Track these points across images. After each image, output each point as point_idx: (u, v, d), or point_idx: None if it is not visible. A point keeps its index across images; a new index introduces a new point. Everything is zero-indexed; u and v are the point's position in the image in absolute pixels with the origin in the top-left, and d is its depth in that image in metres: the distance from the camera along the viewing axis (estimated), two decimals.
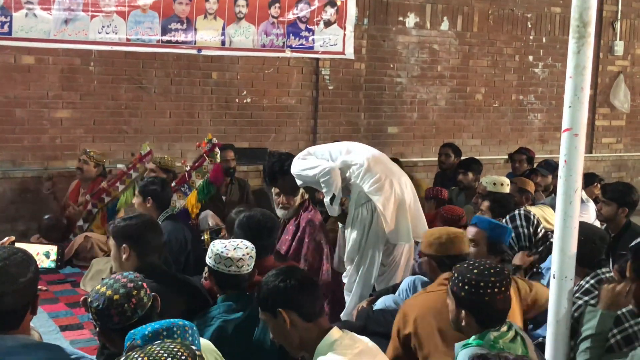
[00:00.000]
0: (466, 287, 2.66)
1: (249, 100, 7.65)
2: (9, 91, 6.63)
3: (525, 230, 4.10)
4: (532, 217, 4.19)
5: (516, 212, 4.20)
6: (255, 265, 3.59)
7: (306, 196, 4.99)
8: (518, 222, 4.16)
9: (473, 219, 4.08)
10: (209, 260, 3.32)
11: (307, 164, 4.67)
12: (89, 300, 2.60)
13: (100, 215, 6.36)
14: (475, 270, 2.69)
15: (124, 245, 3.42)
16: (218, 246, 3.32)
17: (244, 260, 3.28)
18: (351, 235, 4.65)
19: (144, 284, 2.62)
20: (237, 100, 7.60)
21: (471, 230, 3.89)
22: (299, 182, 4.73)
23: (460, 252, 3.46)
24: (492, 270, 2.69)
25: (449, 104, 8.74)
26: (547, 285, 3.35)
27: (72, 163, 6.80)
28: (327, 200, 4.61)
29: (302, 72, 7.86)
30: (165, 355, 1.78)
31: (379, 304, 3.97)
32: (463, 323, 2.69)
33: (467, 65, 8.77)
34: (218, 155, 5.98)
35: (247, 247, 3.35)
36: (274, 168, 4.87)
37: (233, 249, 3.30)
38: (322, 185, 4.58)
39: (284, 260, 4.32)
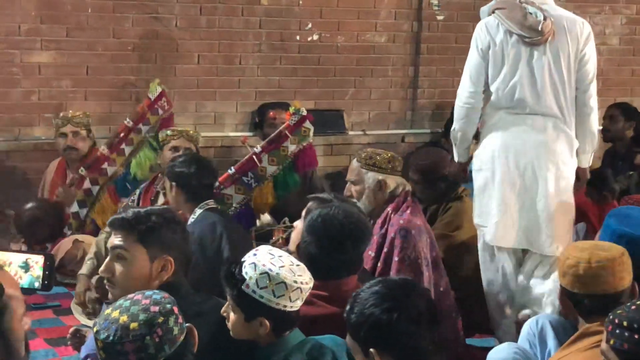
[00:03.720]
0: (636, 336, 2.69)
1: (315, 37, 7.68)
2: None
3: None
4: None
5: None
6: (331, 289, 3.64)
7: (402, 188, 5.00)
8: None
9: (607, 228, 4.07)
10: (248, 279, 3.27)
11: (468, 72, 5.06)
12: (95, 329, 2.63)
13: (107, 193, 6.43)
14: None
15: (169, 258, 3.38)
16: (264, 258, 3.26)
17: (302, 292, 3.27)
18: None
19: (175, 309, 2.66)
20: (298, 37, 7.63)
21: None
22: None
23: (607, 290, 3.43)
24: None
25: (624, 43, 8.63)
26: None
27: (54, 132, 6.81)
28: (452, 134, 5.19)
29: None
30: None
31: (492, 357, 3.97)
32: None
33: None
34: (311, 134, 5.95)
35: (307, 274, 3.33)
36: None
37: (288, 267, 3.26)
38: (454, 110, 5.11)
39: (370, 278, 4.25)
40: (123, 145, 6.43)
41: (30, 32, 6.87)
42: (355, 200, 4.96)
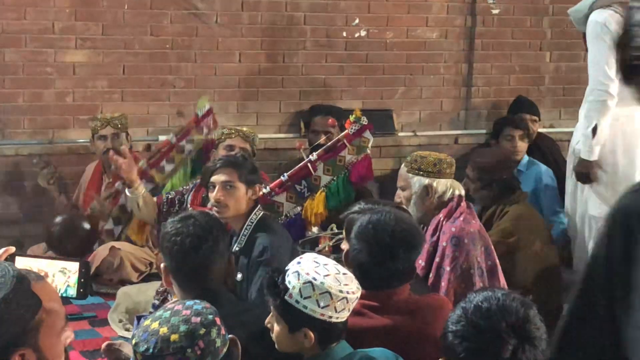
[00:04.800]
0: None
1: (363, 33, 7.69)
2: None
3: None
4: None
5: None
6: (382, 299, 3.65)
7: (452, 191, 4.97)
8: None
9: None
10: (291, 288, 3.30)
11: (603, 65, 5.48)
12: (134, 341, 2.67)
13: None
14: None
15: (162, 264, 3.72)
16: (308, 266, 3.30)
17: (349, 303, 3.27)
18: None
19: (217, 319, 2.69)
20: (344, 33, 7.65)
21: None
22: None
23: None
24: None
25: None
26: None
27: (89, 134, 6.83)
28: (587, 131, 5.54)
29: None
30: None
31: None
32: None
33: None
34: (370, 145, 5.88)
35: (355, 283, 3.33)
36: None
37: (334, 276, 3.27)
38: (590, 100, 5.57)
39: (425, 288, 4.32)
40: (163, 162, 6.40)
41: (64, 30, 6.94)
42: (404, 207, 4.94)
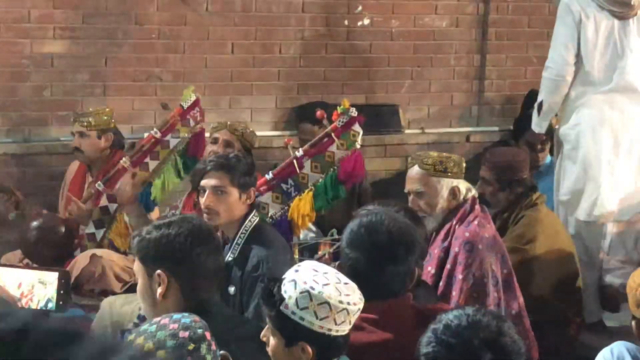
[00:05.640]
0: None
1: (366, 22, 7.67)
2: None
3: None
4: None
5: None
6: (381, 311, 3.61)
7: (470, 193, 4.98)
8: None
9: None
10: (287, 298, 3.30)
11: (559, 44, 5.88)
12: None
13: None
14: None
15: (159, 272, 3.52)
16: (306, 274, 3.25)
17: (350, 314, 3.23)
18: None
19: (207, 334, 2.73)
20: (346, 22, 7.62)
21: None
22: None
23: None
24: None
25: None
26: None
27: (68, 132, 6.81)
28: (536, 104, 5.94)
29: None
30: None
31: None
32: None
33: None
34: (359, 139, 5.85)
35: (357, 293, 3.31)
36: None
37: (334, 285, 3.24)
38: (542, 82, 5.95)
39: (433, 297, 4.30)
40: (147, 159, 6.33)
41: (41, 19, 6.91)
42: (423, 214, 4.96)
